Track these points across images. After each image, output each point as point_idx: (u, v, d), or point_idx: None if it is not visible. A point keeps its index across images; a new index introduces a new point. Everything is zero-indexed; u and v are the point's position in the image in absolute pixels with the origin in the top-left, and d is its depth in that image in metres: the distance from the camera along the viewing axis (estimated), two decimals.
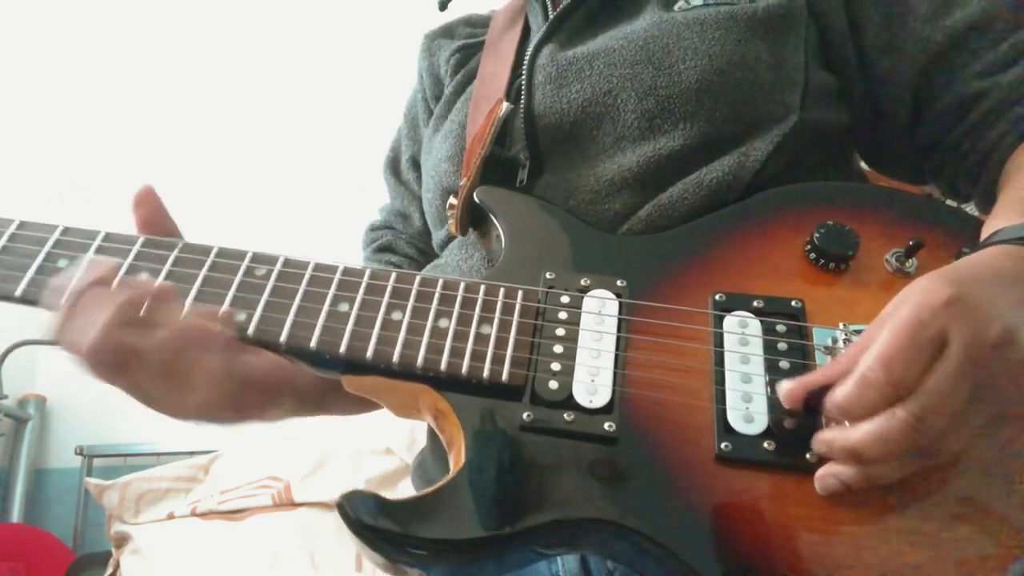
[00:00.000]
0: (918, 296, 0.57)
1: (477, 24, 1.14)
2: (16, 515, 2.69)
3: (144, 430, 2.73)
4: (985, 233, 0.70)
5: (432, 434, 0.91)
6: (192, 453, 2.54)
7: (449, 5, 1.11)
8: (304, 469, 2.25)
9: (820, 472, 0.61)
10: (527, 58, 0.91)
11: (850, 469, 0.59)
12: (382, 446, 2.28)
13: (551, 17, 0.94)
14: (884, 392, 0.56)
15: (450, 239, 0.96)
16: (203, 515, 2.22)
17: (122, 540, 2.24)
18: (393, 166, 1.21)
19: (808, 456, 0.63)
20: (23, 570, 2.28)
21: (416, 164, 1.15)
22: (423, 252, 1.14)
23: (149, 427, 2.71)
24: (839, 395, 0.58)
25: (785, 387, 0.62)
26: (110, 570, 2.19)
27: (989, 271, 0.61)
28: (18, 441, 2.78)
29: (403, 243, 1.15)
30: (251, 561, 2.00)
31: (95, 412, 2.73)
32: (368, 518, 0.62)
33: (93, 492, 2.33)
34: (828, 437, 0.60)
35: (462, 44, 1.09)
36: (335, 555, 1.92)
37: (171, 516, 2.24)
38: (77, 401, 2.76)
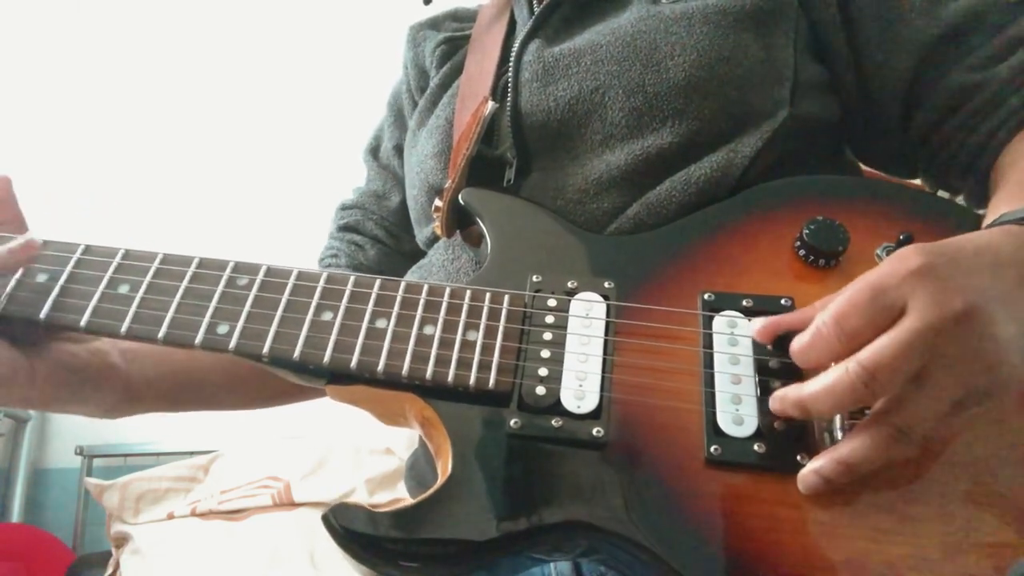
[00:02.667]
0: (890, 262, 0.58)
1: (463, 18, 1.13)
2: (16, 515, 2.68)
3: (144, 430, 2.73)
4: (988, 219, 0.69)
5: None
6: (192, 453, 2.54)
7: (432, 2, 1.10)
8: (304, 469, 2.25)
9: (801, 473, 0.61)
10: (513, 55, 0.90)
11: (828, 461, 0.59)
12: (382, 446, 2.28)
13: (536, 12, 0.93)
14: (832, 344, 0.57)
15: (436, 238, 0.95)
16: (203, 515, 2.22)
17: (122, 540, 2.24)
18: (373, 152, 1.20)
19: (799, 458, 0.62)
20: (23, 570, 2.28)
21: (400, 151, 1.14)
22: (392, 235, 1.13)
23: (149, 427, 2.72)
24: (795, 343, 0.59)
25: (758, 323, 0.65)
26: (110, 570, 2.19)
27: (977, 248, 0.60)
28: (18, 441, 2.77)
29: (371, 224, 1.14)
30: (251, 561, 2.00)
31: None
32: (354, 529, 0.62)
33: (93, 492, 2.33)
34: (780, 393, 0.61)
35: (448, 36, 1.08)
36: (335, 555, 1.92)
37: (171, 516, 2.24)
38: None
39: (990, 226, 0.66)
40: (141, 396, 0.85)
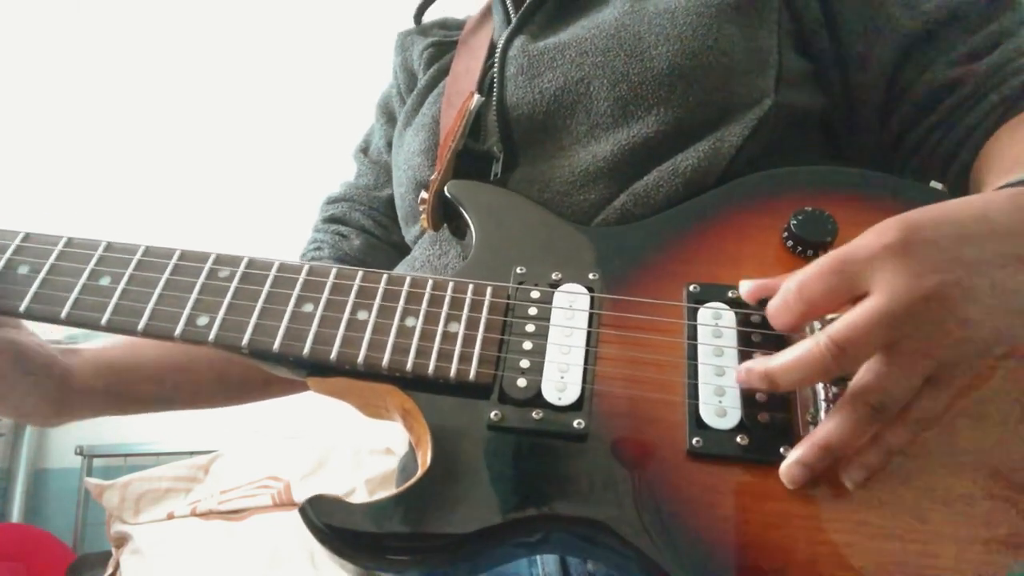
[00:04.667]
0: (866, 235, 0.57)
1: (452, 27, 1.14)
2: (16, 515, 2.69)
3: (144, 430, 2.73)
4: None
5: None
6: (192, 453, 2.54)
7: (423, 17, 1.12)
8: (304, 469, 2.26)
9: (783, 466, 0.60)
10: (498, 50, 0.90)
11: (807, 448, 0.59)
12: (382, 446, 2.27)
13: (521, 9, 0.93)
14: (791, 308, 0.58)
15: (423, 234, 0.95)
16: (203, 515, 2.23)
17: (122, 540, 2.25)
18: (364, 150, 1.21)
19: (782, 451, 0.61)
20: (23, 570, 2.29)
21: (391, 146, 1.13)
22: (381, 225, 1.12)
23: (149, 427, 2.72)
24: (768, 306, 0.61)
25: (747, 283, 0.66)
26: (110, 570, 2.19)
27: (967, 218, 0.58)
28: (18, 441, 2.78)
29: (358, 214, 1.13)
30: (251, 561, 2.00)
31: None
32: (331, 523, 0.61)
33: (93, 492, 2.34)
34: (747, 364, 0.61)
35: (436, 41, 1.09)
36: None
37: (171, 516, 2.25)
38: None
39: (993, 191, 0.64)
40: (81, 396, 0.85)
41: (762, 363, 0.59)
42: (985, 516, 0.59)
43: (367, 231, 1.12)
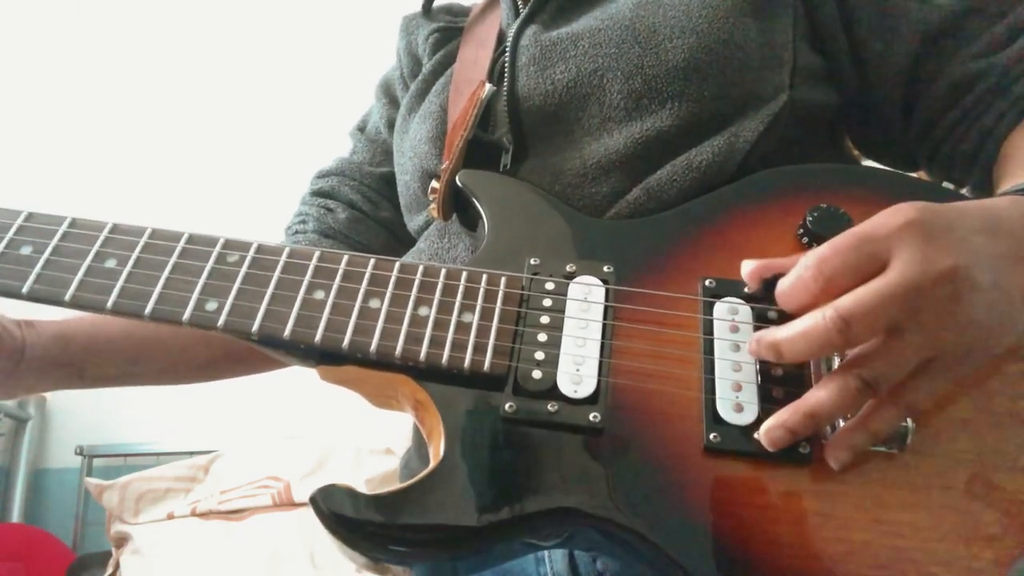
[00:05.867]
0: (884, 214, 0.57)
1: (457, 13, 1.12)
2: (16, 515, 2.69)
3: (144, 430, 2.74)
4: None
5: (417, 433, 0.89)
6: (192, 453, 2.55)
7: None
8: (304, 469, 2.26)
9: (765, 426, 0.60)
10: (510, 39, 0.89)
11: (792, 413, 0.58)
12: (382, 446, 2.27)
13: None
14: (810, 287, 0.57)
15: (428, 225, 0.93)
16: (203, 515, 2.23)
17: (122, 540, 2.25)
18: (361, 129, 1.20)
19: (800, 448, 0.60)
20: (23, 570, 2.28)
21: (390, 125, 1.12)
22: (370, 200, 1.11)
23: (149, 427, 2.72)
24: (780, 284, 0.60)
25: (749, 263, 0.66)
26: (110, 570, 2.19)
27: (977, 213, 0.59)
28: (18, 441, 2.78)
29: (347, 189, 1.12)
30: (251, 561, 2.01)
31: (95, 412, 2.73)
32: (341, 513, 0.60)
33: (93, 492, 2.34)
34: (757, 335, 0.61)
35: (442, 26, 1.07)
36: (335, 555, 1.91)
37: (171, 516, 2.25)
38: (77, 401, 2.76)
39: (1001, 195, 0.66)
40: (35, 369, 0.84)
41: (771, 333, 0.59)
42: (982, 516, 0.59)
43: (354, 206, 1.10)
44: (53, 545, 2.51)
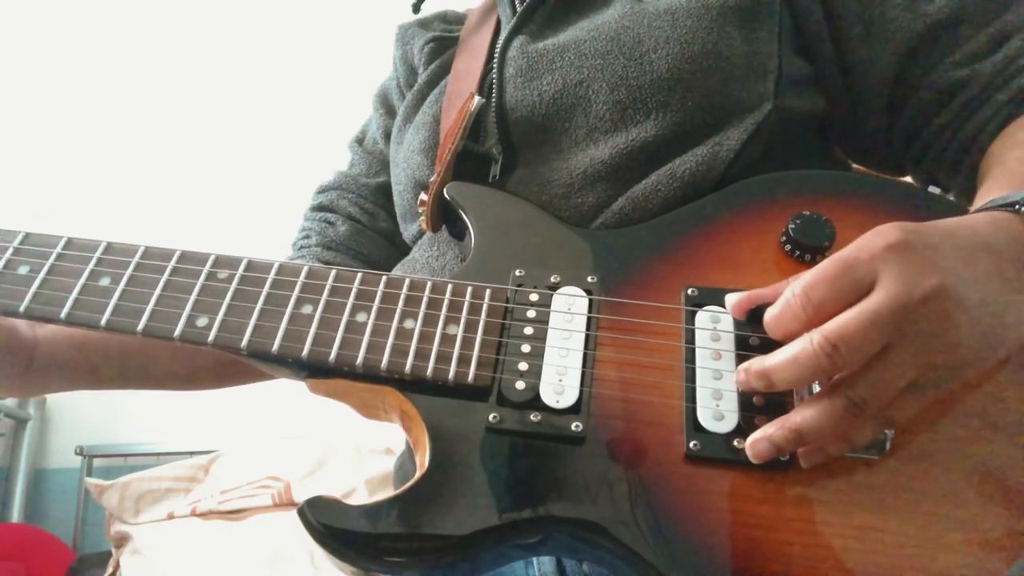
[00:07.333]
0: (866, 236, 0.58)
1: (452, 21, 1.13)
2: (16, 515, 2.69)
3: (144, 430, 2.74)
4: (976, 207, 0.69)
5: None
6: (192, 453, 2.55)
7: (422, 6, 1.11)
8: (304, 469, 2.26)
9: (751, 438, 0.60)
10: (498, 51, 0.90)
11: (779, 428, 0.59)
12: (382, 446, 2.28)
13: (520, 9, 0.93)
14: (798, 314, 0.57)
15: (421, 234, 0.95)
16: (203, 515, 2.23)
17: (122, 540, 2.25)
18: (359, 141, 1.21)
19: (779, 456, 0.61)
20: (23, 570, 2.28)
21: (387, 137, 1.13)
22: (367, 212, 1.12)
23: (149, 427, 2.72)
24: (767, 314, 0.60)
25: (733, 297, 0.65)
26: (110, 570, 2.20)
27: (957, 231, 0.60)
28: (18, 441, 2.78)
29: (346, 202, 1.13)
30: (251, 561, 2.01)
31: (95, 412, 2.74)
32: (329, 524, 0.61)
33: (93, 492, 2.34)
34: (745, 364, 0.61)
35: (437, 35, 1.08)
36: None
37: (171, 516, 2.25)
38: (77, 401, 2.76)
39: (977, 211, 0.66)
40: (45, 369, 0.85)
41: (759, 362, 0.59)
42: (978, 519, 0.59)
43: (353, 218, 1.12)
44: (53, 545, 2.50)
